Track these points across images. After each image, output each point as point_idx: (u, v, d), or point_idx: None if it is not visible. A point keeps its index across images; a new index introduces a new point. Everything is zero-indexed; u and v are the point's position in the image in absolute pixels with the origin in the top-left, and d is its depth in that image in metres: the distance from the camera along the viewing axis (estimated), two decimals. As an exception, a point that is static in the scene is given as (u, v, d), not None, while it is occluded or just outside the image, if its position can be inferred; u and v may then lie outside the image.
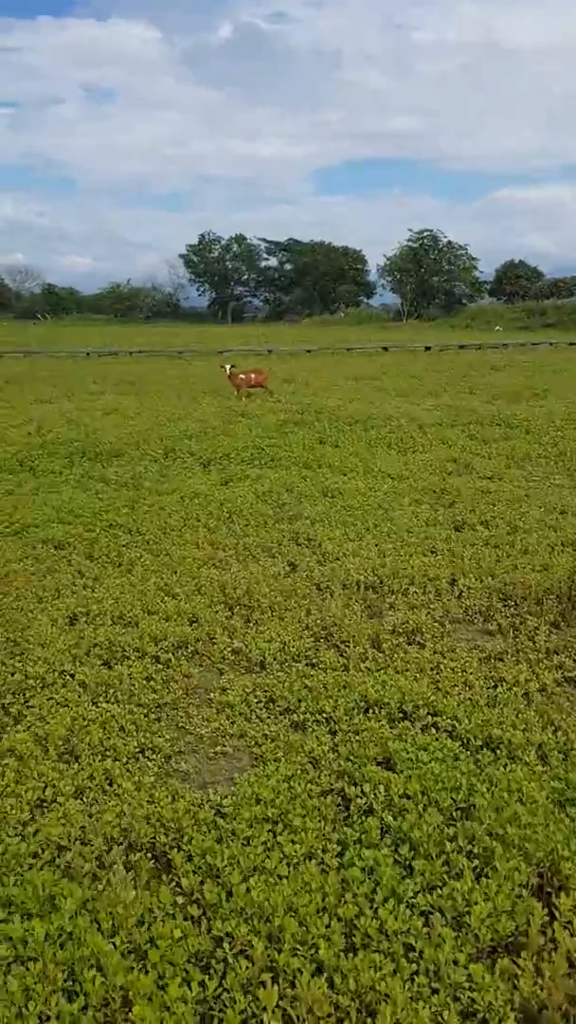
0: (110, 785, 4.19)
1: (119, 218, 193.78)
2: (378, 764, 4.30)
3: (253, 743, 4.69)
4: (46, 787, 4.13)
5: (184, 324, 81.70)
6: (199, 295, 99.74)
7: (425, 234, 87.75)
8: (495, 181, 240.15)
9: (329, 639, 6.00)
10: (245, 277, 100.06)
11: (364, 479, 11.10)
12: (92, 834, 3.72)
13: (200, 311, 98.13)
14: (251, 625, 6.23)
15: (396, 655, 5.66)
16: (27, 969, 2.84)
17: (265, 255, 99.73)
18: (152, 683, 5.31)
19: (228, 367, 20.95)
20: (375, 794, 3.95)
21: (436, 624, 6.25)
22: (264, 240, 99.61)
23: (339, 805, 4.00)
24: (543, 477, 11.37)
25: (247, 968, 2.87)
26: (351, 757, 4.35)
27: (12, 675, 5.36)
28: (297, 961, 2.91)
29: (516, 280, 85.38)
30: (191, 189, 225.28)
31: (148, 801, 4.01)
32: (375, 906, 3.19)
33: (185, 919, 3.17)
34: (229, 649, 5.84)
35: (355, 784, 4.09)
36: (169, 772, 4.43)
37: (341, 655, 5.71)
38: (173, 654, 5.72)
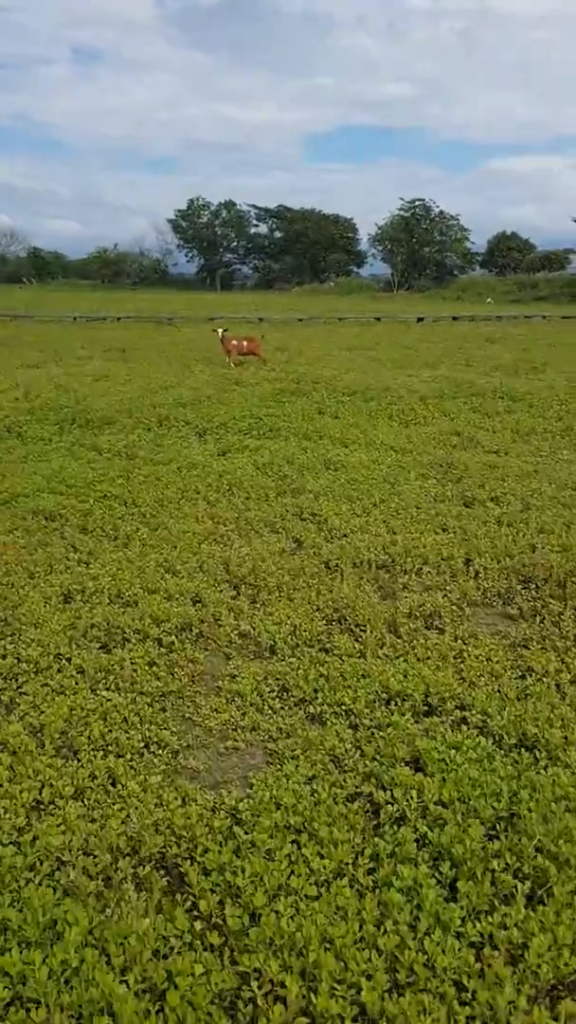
0: (113, 785, 3.81)
1: (107, 181, 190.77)
2: (406, 764, 3.93)
3: (267, 737, 4.32)
4: (43, 787, 3.75)
5: (172, 290, 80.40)
6: (187, 261, 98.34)
7: (417, 203, 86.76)
8: (487, 151, 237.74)
9: (342, 622, 5.63)
10: (234, 244, 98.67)
11: (367, 451, 10.70)
12: (96, 844, 3.34)
13: (188, 278, 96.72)
14: (258, 606, 5.84)
15: (415, 641, 5.30)
16: (28, 1014, 2.47)
17: (255, 222, 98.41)
18: (155, 669, 4.92)
19: (221, 331, 20.49)
20: (407, 800, 3.58)
21: (454, 607, 5.88)
22: (254, 206, 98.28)
23: (368, 812, 3.63)
24: (550, 452, 11.00)
25: (280, 1013, 2.51)
26: (377, 756, 3.99)
27: (3, 658, 4.96)
28: (337, 1004, 2.55)
29: (507, 252, 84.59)
30: (181, 153, 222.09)
31: (156, 804, 3.64)
32: (419, 936, 2.83)
33: (206, 949, 2.80)
34: (236, 632, 5.45)
35: (384, 788, 3.72)
36: (177, 769, 4.06)
37: (356, 640, 5.34)
38: (176, 637, 5.33)
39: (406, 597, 6.03)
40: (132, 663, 4.92)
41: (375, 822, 3.56)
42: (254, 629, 5.47)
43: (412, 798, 3.59)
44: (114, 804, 3.64)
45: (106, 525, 7.51)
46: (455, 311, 46.15)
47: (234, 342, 19.94)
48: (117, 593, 5.91)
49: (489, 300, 63.05)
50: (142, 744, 4.16)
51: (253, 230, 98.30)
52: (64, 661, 4.96)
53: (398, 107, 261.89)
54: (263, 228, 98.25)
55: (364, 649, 5.19)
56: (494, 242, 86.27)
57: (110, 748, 4.09)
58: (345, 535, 7.34)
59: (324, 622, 5.60)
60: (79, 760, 3.98)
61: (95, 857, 3.27)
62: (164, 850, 3.37)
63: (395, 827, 3.46)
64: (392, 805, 3.57)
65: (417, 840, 3.35)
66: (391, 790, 3.66)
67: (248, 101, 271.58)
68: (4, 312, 38.15)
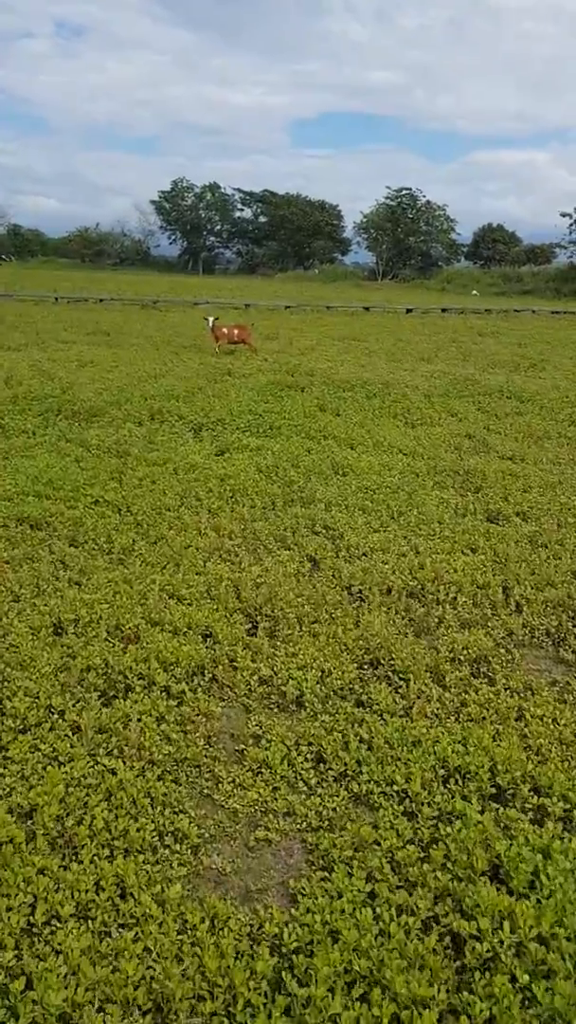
0: (124, 899, 3.05)
1: (89, 159, 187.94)
2: (485, 875, 3.20)
3: (305, 826, 3.58)
4: (36, 902, 2.98)
5: (154, 272, 79.04)
6: (170, 243, 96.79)
7: (403, 192, 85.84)
8: (473, 143, 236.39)
9: (377, 666, 4.89)
10: (218, 227, 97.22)
11: (375, 454, 9.93)
12: (109, 995, 2.59)
13: (170, 260, 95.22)
14: (278, 644, 5.08)
15: (466, 695, 4.56)
16: None
17: (239, 206, 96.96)
18: (165, 727, 4.15)
19: (212, 319, 19.67)
20: (496, 934, 2.85)
21: (500, 649, 5.17)
22: (239, 190, 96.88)
23: (447, 948, 2.89)
24: (570, 460, 10.29)
25: None
26: (448, 864, 3.25)
27: (-16, 710, 4.17)
28: None
29: (493, 244, 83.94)
30: (165, 134, 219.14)
31: (179, 932, 2.89)
32: None
33: None
34: (256, 677, 4.70)
35: (464, 915, 2.98)
36: (199, 872, 3.30)
37: (397, 692, 4.61)
38: (187, 684, 4.56)
39: (444, 635, 5.30)
40: (139, 719, 4.15)
41: (458, 962, 2.83)
42: (276, 674, 4.72)
43: (503, 930, 2.86)
44: (127, 930, 2.88)
45: (99, 537, 6.71)
46: (441, 302, 45.45)
47: (224, 330, 19.18)
48: (116, 625, 5.12)
49: (475, 293, 62.35)
50: (155, 836, 3.40)
51: (237, 214, 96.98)
52: (57, 716, 4.18)
53: (385, 95, 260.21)
54: (248, 212, 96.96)
55: (408, 704, 4.45)
56: (480, 234, 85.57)
57: (117, 843, 3.32)
58: (364, 554, 6.61)
59: (356, 666, 4.87)
60: (80, 861, 3.21)
61: (108, 1016, 2.52)
62: (195, 1004, 2.62)
63: (487, 975, 2.72)
64: (479, 942, 2.84)
65: (523, 999, 2.62)
66: (475, 918, 2.92)
67: (234, 83, 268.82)
68: (-18, 290, 36.90)
